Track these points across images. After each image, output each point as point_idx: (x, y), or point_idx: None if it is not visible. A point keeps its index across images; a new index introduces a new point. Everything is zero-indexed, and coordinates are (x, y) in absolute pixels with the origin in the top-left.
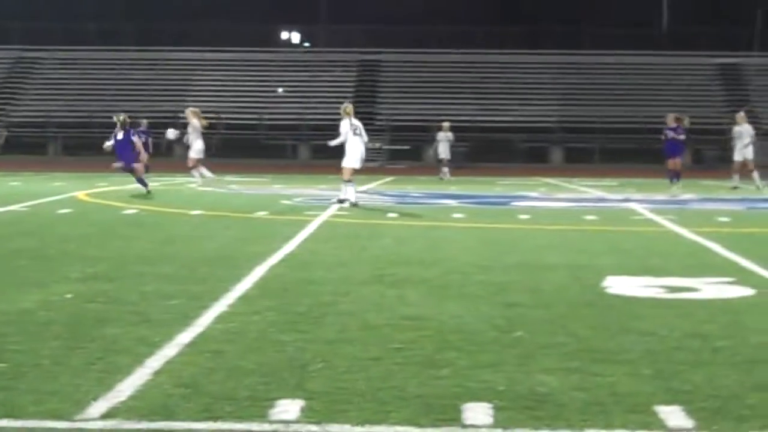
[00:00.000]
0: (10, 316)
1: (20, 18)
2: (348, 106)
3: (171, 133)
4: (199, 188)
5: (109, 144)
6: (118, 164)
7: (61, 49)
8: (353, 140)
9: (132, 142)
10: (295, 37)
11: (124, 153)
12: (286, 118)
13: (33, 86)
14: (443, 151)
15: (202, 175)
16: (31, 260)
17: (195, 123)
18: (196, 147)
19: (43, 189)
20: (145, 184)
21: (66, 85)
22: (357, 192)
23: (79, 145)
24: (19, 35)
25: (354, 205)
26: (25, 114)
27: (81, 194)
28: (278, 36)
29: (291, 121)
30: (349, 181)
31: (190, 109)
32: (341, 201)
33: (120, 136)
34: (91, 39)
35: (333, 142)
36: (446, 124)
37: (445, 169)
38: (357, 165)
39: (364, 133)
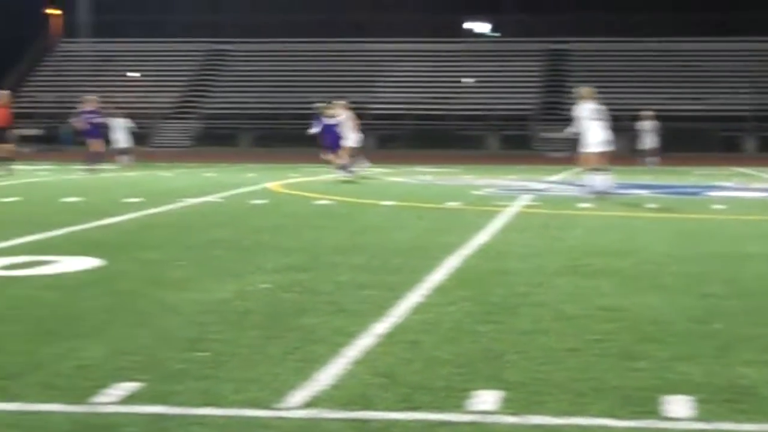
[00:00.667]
0: (209, 305)
1: (211, 12)
2: (586, 90)
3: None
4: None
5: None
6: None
7: (250, 41)
8: (592, 125)
9: (334, 130)
10: (483, 27)
11: (329, 139)
12: (474, 108)
13: (224, 79)
14: (648, 140)
15: (345, 168)
16: (227, 251)
17: (342, 115)
18: (350, 138)
19: (236, 180)
20: (348, 172)
21: (256, 77)
22: (590, 182)
23: (269, 137)
24: (209, 29)
25: (600, 194)
26: (217, 106)
27: (273, 185)
28: (462, 26)
29: (479, 112)
30: (595, 169)
31: (337, 102)
32: (596, 192)
33: (323, 124)
34: (279, 31)
35: (569, 130)
36: (650, 113)
37: (652, 158)
38: (601, 149)
39: (604, 116)
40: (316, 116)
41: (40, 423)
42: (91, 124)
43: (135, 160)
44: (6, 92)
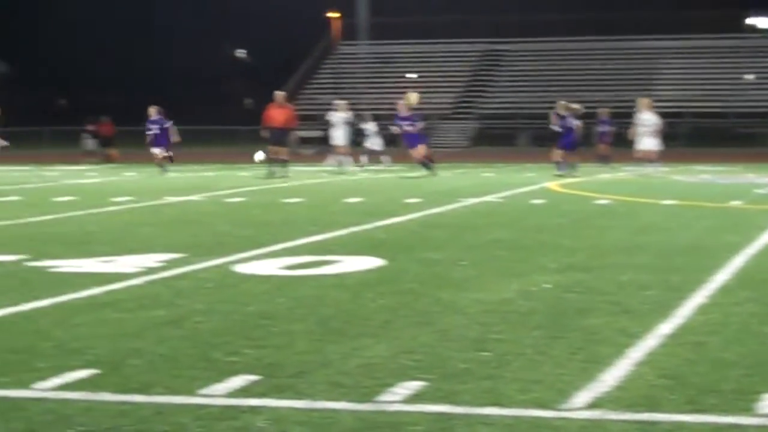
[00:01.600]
0: (491, 305)
1: (487, 11)
2: None
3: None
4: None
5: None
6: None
7: (527, 41)
8: None
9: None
10: (764, 23)
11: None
12: (755, 105)
13: (501, 78)
14: None
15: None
16: (508, 250)
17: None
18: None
19: (514, 180)
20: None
21: (533, 76)
22: None
23: (547, 136)
24: (486, 28)
25: None
26: (494, 106)
27: (552, 185)
28: (744, 21)
29: (761, 109)
30: None
31: (564, 102)
32: None
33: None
34: (556, 29)
35: None
36: None
37: None
38: None
39: None
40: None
41: (328, 420)
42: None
43: (392, 162)
44: (282, 93)
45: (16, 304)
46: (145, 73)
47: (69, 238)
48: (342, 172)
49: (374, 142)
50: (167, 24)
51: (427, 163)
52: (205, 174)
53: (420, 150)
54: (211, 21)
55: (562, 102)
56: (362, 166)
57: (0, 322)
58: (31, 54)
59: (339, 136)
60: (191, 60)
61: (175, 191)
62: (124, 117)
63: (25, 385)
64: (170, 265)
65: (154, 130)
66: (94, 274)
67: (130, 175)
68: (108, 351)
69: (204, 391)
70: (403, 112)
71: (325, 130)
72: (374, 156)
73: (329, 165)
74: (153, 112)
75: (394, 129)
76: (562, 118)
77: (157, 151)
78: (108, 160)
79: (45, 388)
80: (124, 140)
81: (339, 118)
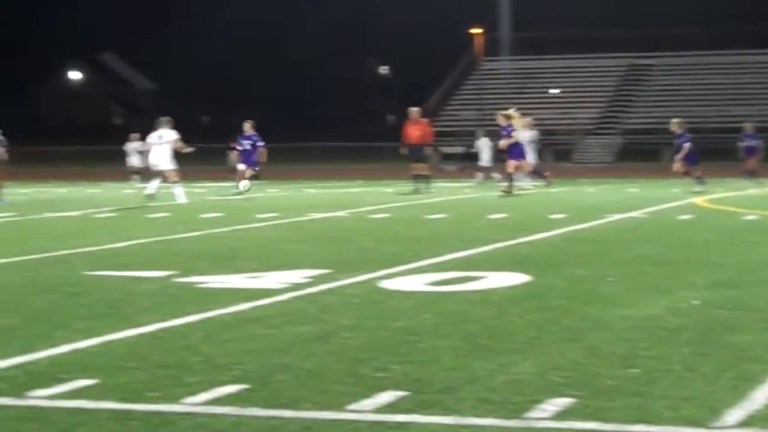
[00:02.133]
0: (638, 321)
1: (632, 25)
2: None
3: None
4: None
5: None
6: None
7: (672, 54)
8: None
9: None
10: None
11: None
12: None
13: (645, 93)
14: None
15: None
16: (655, 266)
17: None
18: None
19: (660, 195)
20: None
21: (678, 91)
22: None
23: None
24: (631, 43)
25: None
26: (639, 121)
27: (699, 200)
28: None
29: None
30: None
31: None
32: None
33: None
34: (700, 43)
35: None
36: None
37: None
38: None
39: None
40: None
41: None
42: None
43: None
44: (416, 110)
45: (165, 319)
46: (287, 90)
47: (216, 254)
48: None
49: (485, 159)
50: (311, 42)
51: (510, 177)
52: (350, 190)
53: (511, 164)
54: (355, 38)
55: (675, 120)
56: (479, 182)
57: (150, 337)
58: (176, 71)
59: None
60: (335, 77)
61: (320, 208)
62: (267, 134)
63: (175, 399)
64: (316, 281)
65: (245, 145)
66: (242, 289)
67: (273, 191)
68: (256, 366)
69: (352, 406)
70: (503, 124)
71: (468, 146)
72: (486, 173)
73: (476, 181)
74: (248, 127)
75: (502, 144)
76: (679, 135)
77: (242, 167)
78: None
79: (195, 402)
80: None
81: (525, 135)
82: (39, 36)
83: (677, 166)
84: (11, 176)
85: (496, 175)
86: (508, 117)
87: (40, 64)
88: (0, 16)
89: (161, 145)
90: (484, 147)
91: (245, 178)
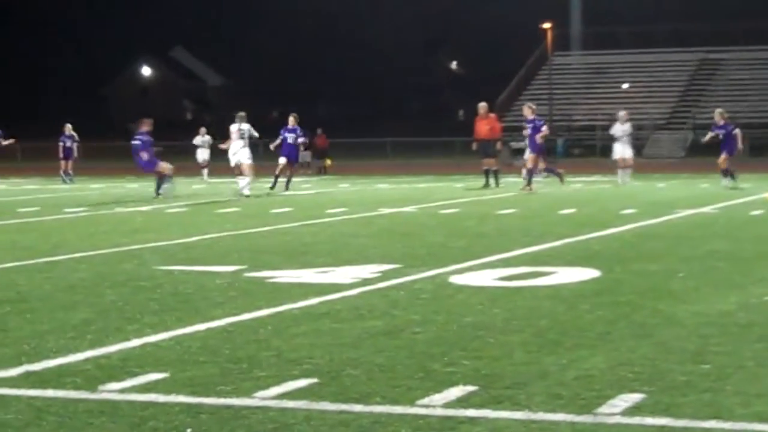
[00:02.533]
0: (709, 317)
1: (704, 19)
2: None
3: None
4: None
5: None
6: None
7: (744, 49)
8: None
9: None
10: None
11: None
12: None
13: (717, 87)
14: None
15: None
16: (727, 262)
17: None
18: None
19: (731, 190)
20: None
21: (750, 85)
22: None
23: (764, 146)
24: (702, 37)
25: None
26: (710, 116)
27: None
28: None
29: None
30: None
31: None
32: None
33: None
34: None
35: None
36: None
37: None
38: None
39: None
40: None
41: None
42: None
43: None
44: (484, 105)
45: (236, 314)
46: (359, 86)
47: (286, 249)
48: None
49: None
50: (384, 37)
51: (530, 174)
52: (419, 186)
53: (532, 158)
54: (428, 33)
55: (719, 110)
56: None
57: (221, 332)
58: (246, 67)
59: (620, 149)
60: (407, 72)
61: (389, 203)
62: (338, 130)
63: (246, 393)
64: (385, 275)
65: (288, 138)
66: (311, 284)
67: (343, 186)
68: (326, 361)
69: (422, 401)
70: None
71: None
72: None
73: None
74: (292, 120)
75: (525, 132)
76: (721, 126)
77: (283, 161)
78: (322, 171)
79: (265, 397)
80: (338, 152)
81: (622, 130)
82: (112, 33)
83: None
84: (85, 172)
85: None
86: (533, 110)
87: (113, 61)
88: (73, 14)
89: (240, 140)
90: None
91: (284, 173)
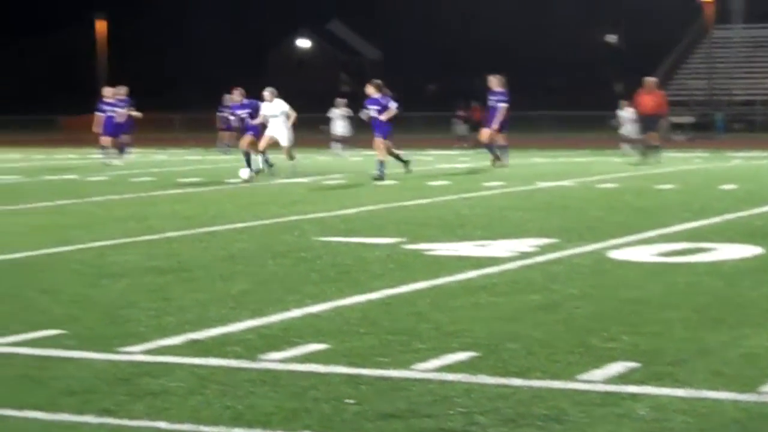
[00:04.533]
0: None
1: None
2: None
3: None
4: None
5: None
6: None
7: None
8: None
9: None
10: None
11: None
12: None
13: None
14: None
15: None
16: None
17: None
18: None
19: None
20: None
21: None
22: None
23: None
24: None
25: None
26: None
27: None
28: None
29: None
30: None
31: None
32: None
33: None
34: None
35: None
36: None
37: None
38: None
39: None
40: None
41: (709, 410)
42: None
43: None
44: (652, 80)
45: (394, 286)
46: (515, 59)
47: (444, 221)
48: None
49: (630, 130)
50: (542, 12)
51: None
52: (577, 160)
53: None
54: (584, 6)
55: None
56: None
57: (380, 304)
58: (403, 40)
59: None
60: (564, 46)
61: (546, 177)
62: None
63: (405, 365)
64: (543, 250)
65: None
66: (469, 257)
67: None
68: (485, 334)
69: (582, 376)
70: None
71: (703, 115)
72: (633, 143)
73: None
74: (372, 90)
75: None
76: None
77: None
78: (478, 145)
79: (425, 369)
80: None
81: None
82: (271, 4)
83: None
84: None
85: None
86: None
87: (270, 33)
88: None
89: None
90: (626, 118)
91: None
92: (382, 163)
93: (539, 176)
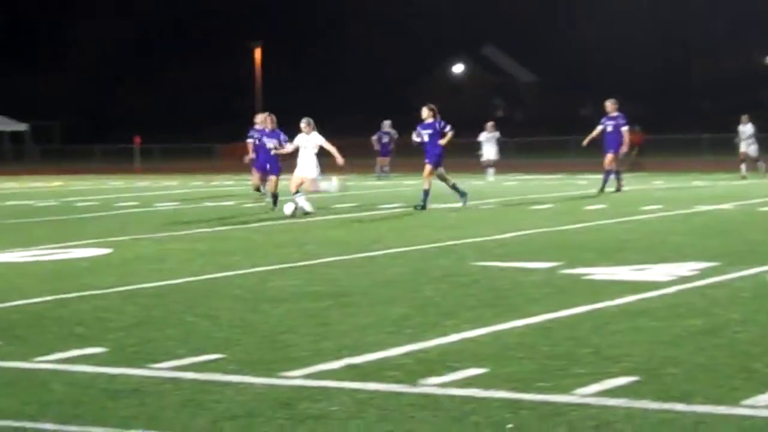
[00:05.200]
0: None
1: None
2: None
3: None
4: None
5: None
6: None
7: None
8: None
9: None
10: None
11: None
12: None
13: None
14: None
15: None
16: None
17: None
18: None
19: None
20: None
21: None
22: None
23: None
24: None
25: None
26: None
27: None
28: None
29: None
30: None
31: None
32: None
33: None
34: None
35: None
36: None
37: None
38: None
39: None
40: None
41: None
42: None
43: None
44: None
45: (553, 310)
46: (673, 82)
47: (601, 245)
48: None
49: (752, 148)
50: (700, 35)
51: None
52: (737, 183)
53: None
54: (743, 28)
55: None
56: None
57: (538, 328)
58: (557, 63)
59: None
60: (722, 69)
61: (706, 200)
62: (651, 126)
63: (565, 390)
64: (703, 274)
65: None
66: (628, 282)
67: (657, 183)
68: (645, 359)
69: (747, 402)
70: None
71: None
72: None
73: None
74: (426, 114)
75: None
76: None
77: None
78: (638, 168)
79: (586, 394)
80: (653, 149)
81: None
82: (422, 31)
83: None
84: (401, 168)
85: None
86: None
87: (424, 58)
88: (391, 11)
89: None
90: (747, 134)
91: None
92: (426, 193)
93: (698, 199)
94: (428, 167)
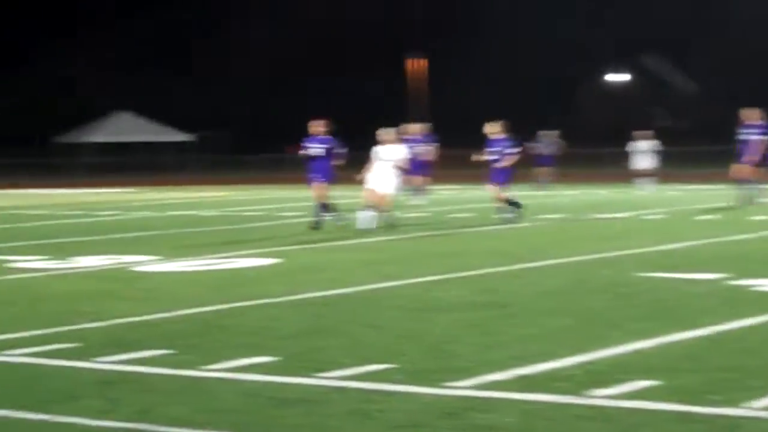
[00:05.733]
0: None
1: None
2: None
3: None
4: None
5: None
6: None
7: None
8: None
9: None
10: None
11: None
12: None
13: None
14: None
15: None
16: None
17: None
18: None
19: None
20: None
21: None
22: None
23: None
24: None
25: None
26: None
27: None
28: None
29: None
30: None
31: None
32: None
33: None
34: None
35: None
36: None
37: None
38: None
39: None
40: None
41: None
42: None
43: None
44: None
45: (721, 322)
46: None
47: None
48: None
49: None
50: None
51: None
52: None
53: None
54: None
55: None
56: None
57: (706, 340)
58: (718, 72)
59: None
60: None
61: None
62: None
63: (737, 403)
64: None
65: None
66: None
67: None
68: None
69: None
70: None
71: None
72: None
73: None
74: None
75: None
76: None
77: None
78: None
79: (759, 407)
80: None
81: None
82: (578, 39)
83: None
84: (564, 178)
85: None
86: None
87: (580, 67)
88: (546, 20)
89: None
90: None
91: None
92: (507, 204)
93: None
94: (491, 187)
